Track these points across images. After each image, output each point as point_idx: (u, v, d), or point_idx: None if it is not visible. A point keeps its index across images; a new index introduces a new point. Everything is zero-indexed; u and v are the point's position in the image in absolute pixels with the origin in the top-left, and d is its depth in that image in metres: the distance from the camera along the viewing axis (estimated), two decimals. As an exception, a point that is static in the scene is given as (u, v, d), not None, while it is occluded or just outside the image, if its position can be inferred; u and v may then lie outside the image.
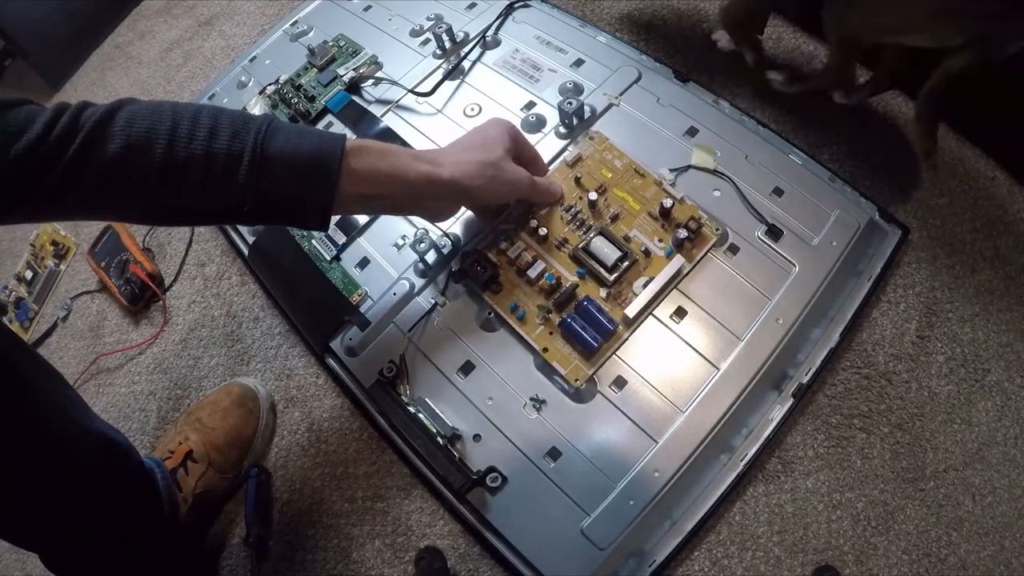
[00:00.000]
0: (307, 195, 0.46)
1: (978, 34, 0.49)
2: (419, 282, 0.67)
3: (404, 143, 0.74)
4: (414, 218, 0.70)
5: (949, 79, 0.54)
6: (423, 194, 0.53)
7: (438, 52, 0.81)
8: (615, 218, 0.64)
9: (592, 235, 0.62)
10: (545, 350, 0.59)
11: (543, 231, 0.63)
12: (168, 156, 0.42)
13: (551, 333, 0.60)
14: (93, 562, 0.56)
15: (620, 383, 0.58)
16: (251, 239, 0.77)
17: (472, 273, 0.63)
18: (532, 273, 0.61)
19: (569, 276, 0.62)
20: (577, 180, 0.66)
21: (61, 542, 0.53)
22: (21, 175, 0.39)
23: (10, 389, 0.45)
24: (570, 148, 0.70)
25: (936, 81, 0.55)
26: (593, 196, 0.64)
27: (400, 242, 0.69)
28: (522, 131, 0.62)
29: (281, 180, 0.45)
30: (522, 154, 0.61)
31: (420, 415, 0.59)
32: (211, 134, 0.42)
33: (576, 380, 0.58)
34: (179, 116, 0.43)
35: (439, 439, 0.58)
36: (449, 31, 0.79)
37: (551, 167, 0.70)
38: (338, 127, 0.79)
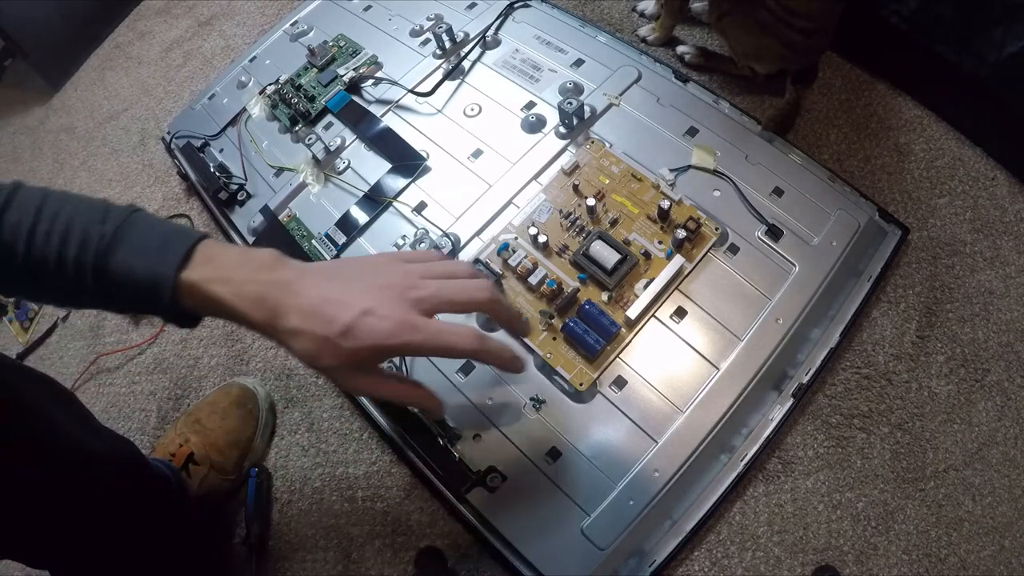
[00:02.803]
0: (145, 306, 0.43)
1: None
2: (419, 282, 0.67)
3: (404, 143, 0.75)
4: (414, 218, 0.71)
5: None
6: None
7: (438, 52, 0.81)
8: (614, 222, 0.64)
9: (591, 240, 0.62)
10: (549, 355, 0.59)
11: (543, 238, 0.63)
12: (27, 258, 0.41)
13: (554, 338, 0.60)
14: (109, 568, 0.56)
15: (620, 383, 0.58)
16: (251, 239, 0.77)
17: None
18: (533, 280, 0.61)
19: (570, 281, 0.62)
20: (575, 187, 0.66)
21: (81, 561, 0.53)
22: None
23: (19, 423, 0.45)
24: (567, 154, 0.70)
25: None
26: (591, 202, 0.64)
27: (400, 242, 0.69)
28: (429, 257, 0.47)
29: (122, 292, 0.42)
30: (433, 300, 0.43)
31: (420, 415, 0.59)
32: (63, 240, 0.40)
33: (581, 384, 0.58)
34: (40, 213, 0.41)
35: (439, 439, 0.58)
36: (449, 31, 0.79)
37: (550, 168, 0.70)
38: (338, 127, 0.79)
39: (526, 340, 0.60)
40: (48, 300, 0.46)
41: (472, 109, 0.76)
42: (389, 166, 0.74)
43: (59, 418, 0.50)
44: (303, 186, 0.76)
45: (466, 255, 0.67)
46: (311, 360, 0.41)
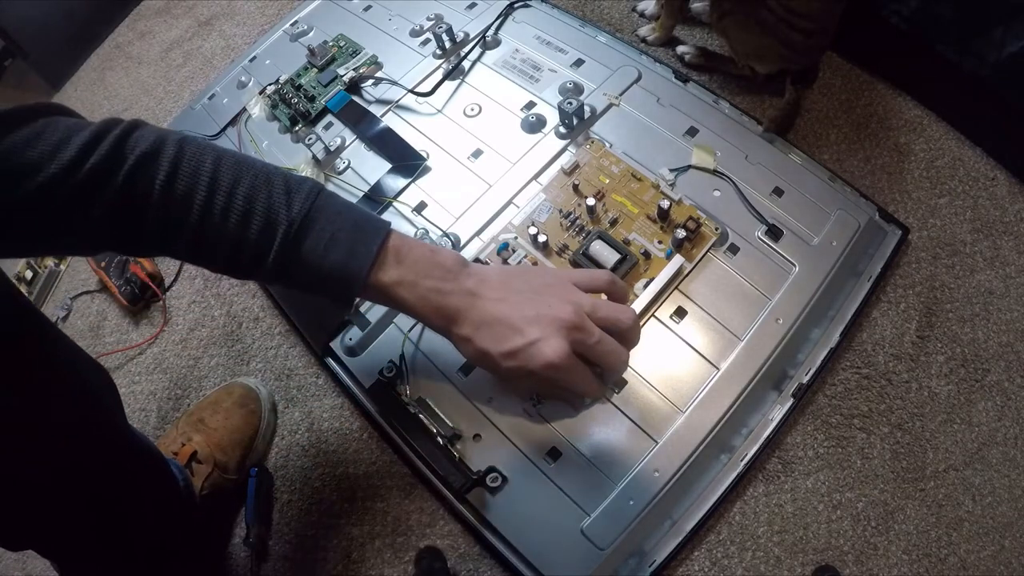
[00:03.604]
0: (328, 295, 0.44)
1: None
2: (419, 282, 0.67)
3: (404, 143, 0.75)
4: (414, 218, 0.71)
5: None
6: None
7: (438, 52, 0.81)
8: (614, 222, 0.64)
9: (591, 239, 0.62)
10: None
11: (543, 238, 0.63)
12: (199, 231, 0.40)
13: (552, 335, 0.60)
14: (110, 565, 0.56)
15: (620, 383, 0.58)
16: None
17: None
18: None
19: (570, 280, 0.62)
20: (575, 187, 0.66)
21: (90, 553, 0.52)
22: (47, 206, 0.36)
23: (80, 400, 0.45)
24: (567, 154, 0.70)
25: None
26: (591, 202, 0.64)
27: (400, 242, 0.69)
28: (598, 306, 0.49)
29: (304, 280, 0.43)
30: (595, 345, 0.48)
31: (420, 415, 0.59)
32: (243, 219, 0.40)
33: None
34: (216, 182, 0.40)
35: (439, 439, 0.58)
36: (449, 31, 0.79)
37: (550, 168, 0.70)
38: (338, 127, 0.79)
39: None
40: (209, 267, 0.44)
41: (472, 109, 0.76)
42: (389, 166, 0.74)
43: (112, 405, 0.50)
44: (303, 186, 0.76)
45: (466, 255, 0.66)
46: (474, 361, 0.48)
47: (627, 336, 0.50)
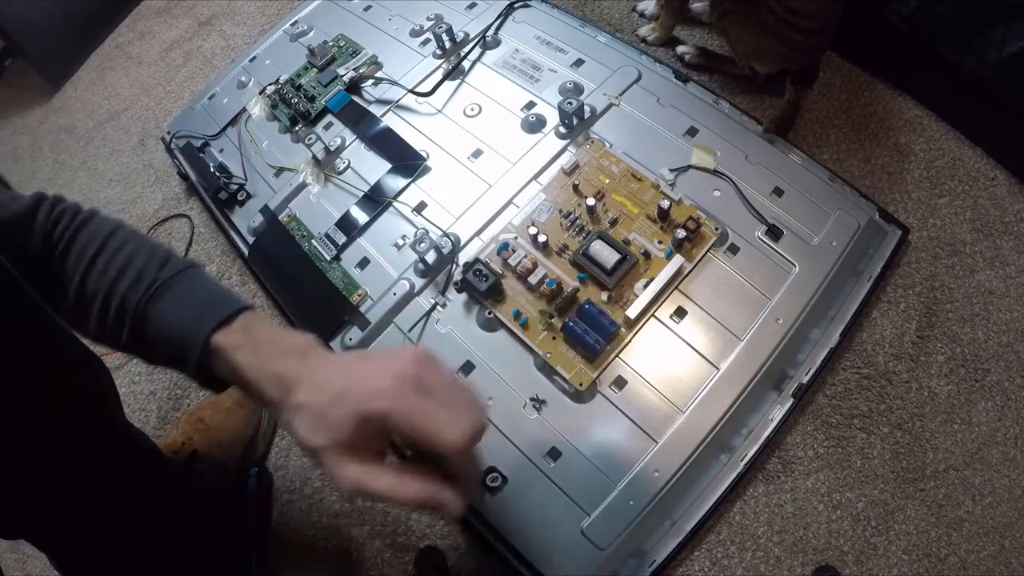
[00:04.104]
0: (176, 356, 0.42)
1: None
2: (419, 282, 0.67)
3: (404, 143, 0.75)
4: (414, 218, 0.71)
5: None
6: None
7: (438, 52, 0.81)
8: (614, 222, 0.64)
9: (591, 239, 0.62)
10: (549, 355, 0.59)
11: (543, 238, 0.63)
12: (82, 283, 0.42)
13: (554, 338, 0.60)
14: (110, 564, 0.56)
15: (620, 383, 0.58)
16: (251, 239, 0.77)
17: (475, 284, 0.62)
18: (533, 279, 0.61)
19: (570, 281, 0.62)
20: (575, 187, 0.66)
21: (90, 550, 0.52)
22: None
23: (81, 396, 0.46)
24: (567, 154, 0.70)
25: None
26: (591, 202, 0.64)
27: (400, 242, 0.69)
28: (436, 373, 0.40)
29: (157, 339, 0.42)
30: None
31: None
32: (119, 274, 0.43)
33: (581, 384, 0.58)
34: (106, 243, 0.44)
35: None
36: (449, 31, 0.79)
37: (550, 168, 0.70)
38: (338, 127, 0.79)
39: (526, 340, 0.60)
40: (86, 331, 0.45)
41: (472, 109, 0.76)
42: (389, 166, 0.74)
43: (113, 404, 0.50)
44: (303, 186, 0.76)
45: (466, 255, 0.67)
46: (307, 439, 0.38)
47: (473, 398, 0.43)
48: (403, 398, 0.38)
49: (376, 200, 0.72)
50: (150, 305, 0.41)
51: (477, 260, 0.63)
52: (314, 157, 0.77)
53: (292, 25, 0.92)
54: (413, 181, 0.72)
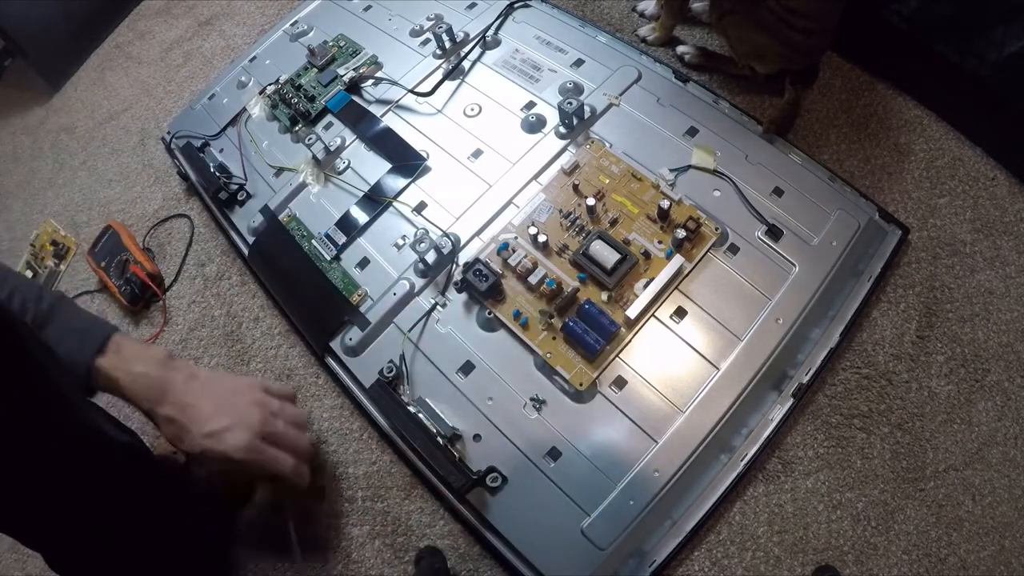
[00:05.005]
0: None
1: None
2: (419, 282, 0.67)
3: (404, 143, 0.75)
4: (414, 218, 0.71)
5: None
6: None
7: (438, 52, 0.81)
8: (614, 222, 0.64)
9: (591, 239, 0.62)
10: (549, 355, 0.59)
11: (543, 238, 0.63)
12: None
13: (554, 338, 0.60)
14: (103, 561, 0.56)
15: (620, 383, 0.58)
16: (251, 239, 0.77)
17: (475, 284, 0.62)
18: (533, 279, 0.61)
19: (570, 281, 0.62)
20: (575, 187, 0.66)
21: (88, 551, 0.53)
22: None
23: (45, 400, 0.46)
24: (567, 154, 0.70)
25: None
26: (591, 202, 0.64)
27: (400, 242, 0.69)
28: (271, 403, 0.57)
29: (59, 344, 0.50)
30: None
31: (420, 415, 0.59)
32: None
33: (581, 384, 0.58)
34: None
35: (439, 439, 0.58)
36: (449, 31, 0.79)
37: (550, 168, 0.70)
38: (338, 127, 0.79)
39: (526, 340, 0.60)
40: None
41: (472, 109, 0.76)
42: (389, 166, 0.74)
43: (78, 400, 0.50)
44: (303, 186, 0.76)
45: (466, 255, 0.67)
46: (174, 441, 0.53)
47: (303, 431, 0.59)
48: (256, 453, 0.53)
49: (376, 200, 0.72)
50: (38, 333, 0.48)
51: (477, 260, 0.63)
52: (314, 157, 0.77)
53: (292, 25, 0.92)
54: (413, 181, 0.72)
